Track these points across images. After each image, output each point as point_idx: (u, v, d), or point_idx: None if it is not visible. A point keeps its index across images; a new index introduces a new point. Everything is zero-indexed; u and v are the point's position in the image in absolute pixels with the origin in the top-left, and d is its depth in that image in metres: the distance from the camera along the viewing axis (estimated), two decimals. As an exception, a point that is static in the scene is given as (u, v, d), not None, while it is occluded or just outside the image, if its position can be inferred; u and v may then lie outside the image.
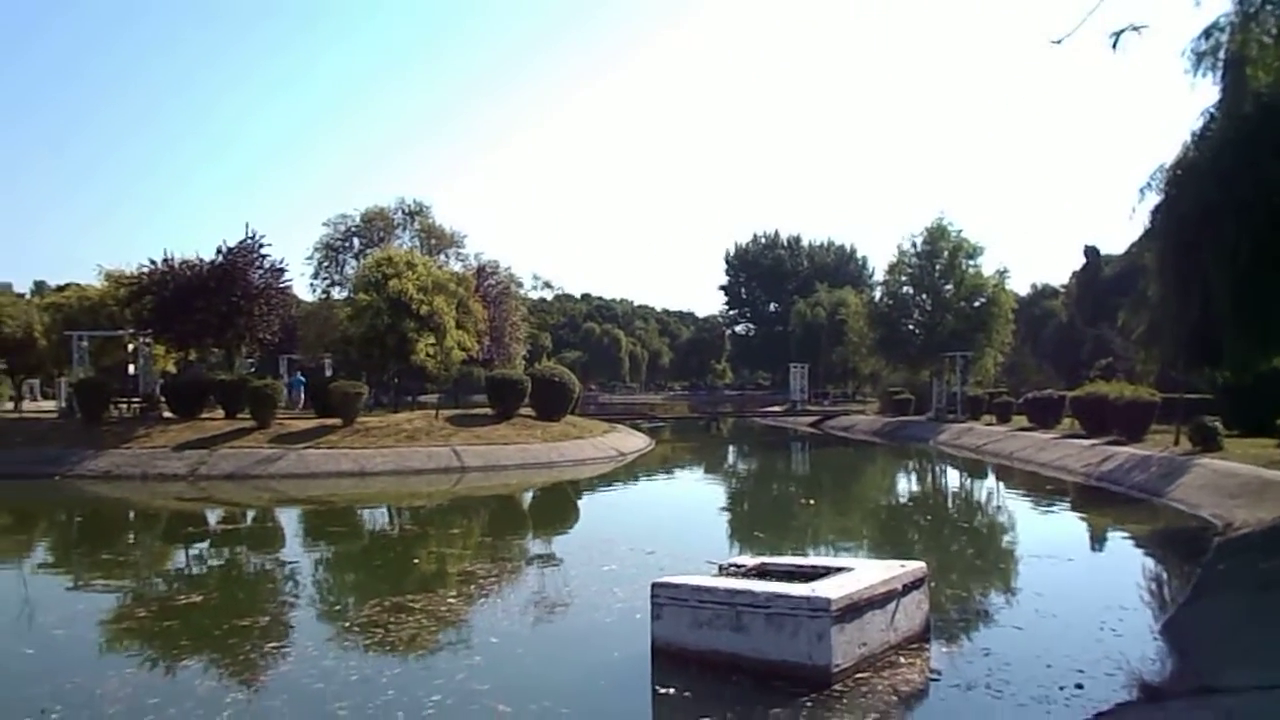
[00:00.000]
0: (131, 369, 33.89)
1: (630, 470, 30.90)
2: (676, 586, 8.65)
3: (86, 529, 20.57)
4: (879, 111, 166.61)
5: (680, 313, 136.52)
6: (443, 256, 51.05)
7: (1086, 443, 29.03)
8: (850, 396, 74.56)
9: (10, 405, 39.57)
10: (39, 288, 60.67)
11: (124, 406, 32.05)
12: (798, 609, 7.83)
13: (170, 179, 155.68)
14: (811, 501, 24.42)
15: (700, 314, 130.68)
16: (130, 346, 34.06)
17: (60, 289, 44.17)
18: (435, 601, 11.53)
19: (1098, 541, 18.20)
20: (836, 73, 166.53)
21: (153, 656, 9.64)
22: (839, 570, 9.06)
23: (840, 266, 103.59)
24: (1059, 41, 6.34)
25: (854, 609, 8.03)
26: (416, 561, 15.17)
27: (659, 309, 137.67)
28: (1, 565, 16.30)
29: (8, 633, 10.77)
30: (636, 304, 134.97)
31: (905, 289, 52.80)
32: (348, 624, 10.87)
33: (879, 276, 64.02)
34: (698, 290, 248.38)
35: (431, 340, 33.34)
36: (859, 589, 8.21)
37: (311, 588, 13.76)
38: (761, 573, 9.42)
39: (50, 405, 40.50)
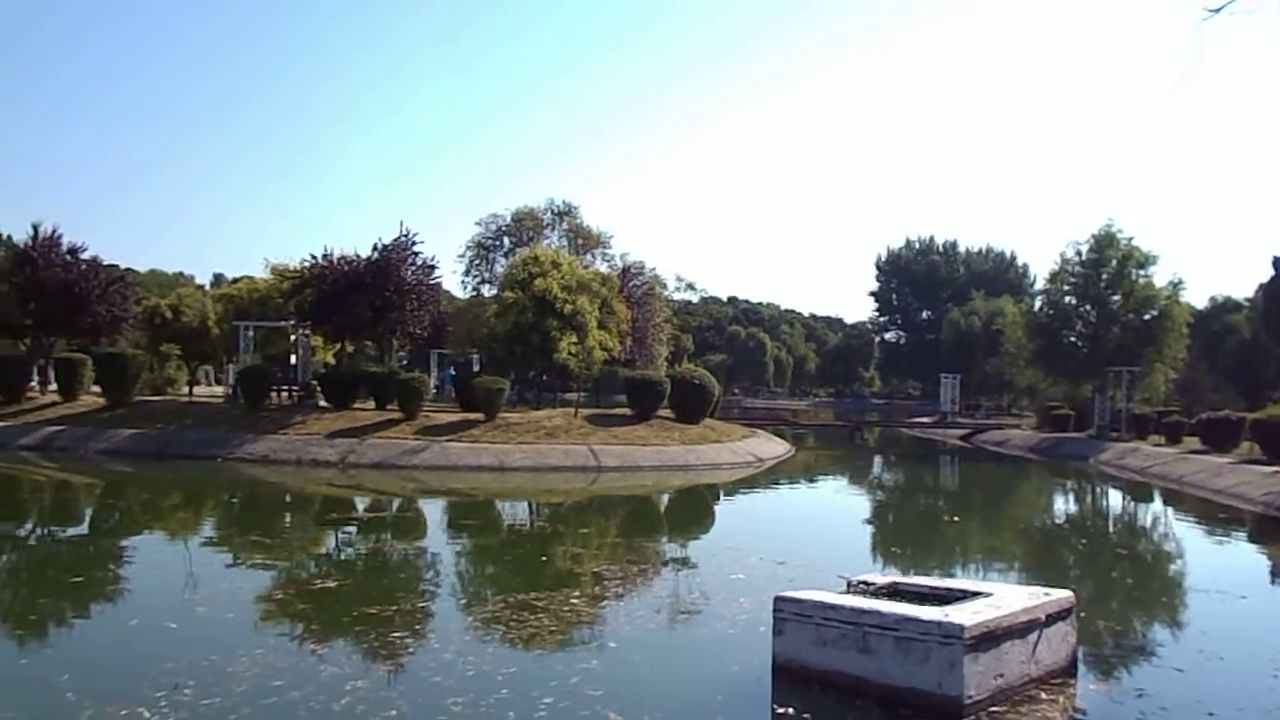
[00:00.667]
0: (292, 359, 35.66)
1: (769, 477, 30.34)
2: (800, 601, 8.22)
3: (244, 510, 21.62)
4: (1043, 112, 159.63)
5: (828, 318, 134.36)
6: (589, 256, 51.68)
7: (1268, 469, 26.65)
8: (1004, 410, 71.44)
9: (186, 390, 42.28)
10: (217, 280, 64.80)
11: (283, 394, 33.71)
12: (928, 634, 7.29)
13: (335, 171, 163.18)
14: (957, 519, 23.31)
15: (849, 320, 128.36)
16: (292, 337, 35.83)
17: (234, 281, 46.94)
18: (560, 601, 11.42)
19: (1276, 578, 16.60)
20: (996, 72, 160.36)
21: (284, 639, 9.84)
22: (976, 594, 8.41)
23: (998, 274, 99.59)
24: (1216, 11, 5.60)
25: (990, 637, 7.41)
26: (546, 559, 15.17)
27: (806, 313, 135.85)
28: (170, 541, 17.29)
29: (159, 607, 11.27)
30: (783, 308, 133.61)
31: (1068, 299, 50.03)
32: (472, 619, 10.91)
33: (1040, 285, 61.14)
34: (846, 295, 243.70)
35: (574, 339, 33.65)
36: (997, 616, 7.59)
37: (442, 580, 13.89)
38: (892, 592, 8.86)
39: (220, 390, 43.12)
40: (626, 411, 33.40)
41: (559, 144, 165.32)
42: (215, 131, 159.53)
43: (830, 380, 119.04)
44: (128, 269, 50.03)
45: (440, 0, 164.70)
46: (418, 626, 10.42)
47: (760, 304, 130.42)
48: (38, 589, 12.78)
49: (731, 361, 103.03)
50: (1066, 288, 49.85)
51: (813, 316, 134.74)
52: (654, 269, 52.26)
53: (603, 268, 48.07)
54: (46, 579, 13.33)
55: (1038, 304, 55.08)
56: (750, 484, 28.44)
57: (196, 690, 7.85)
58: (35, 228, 36.20)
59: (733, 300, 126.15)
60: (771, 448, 35.94)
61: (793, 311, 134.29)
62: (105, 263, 37.98)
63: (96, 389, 32.82)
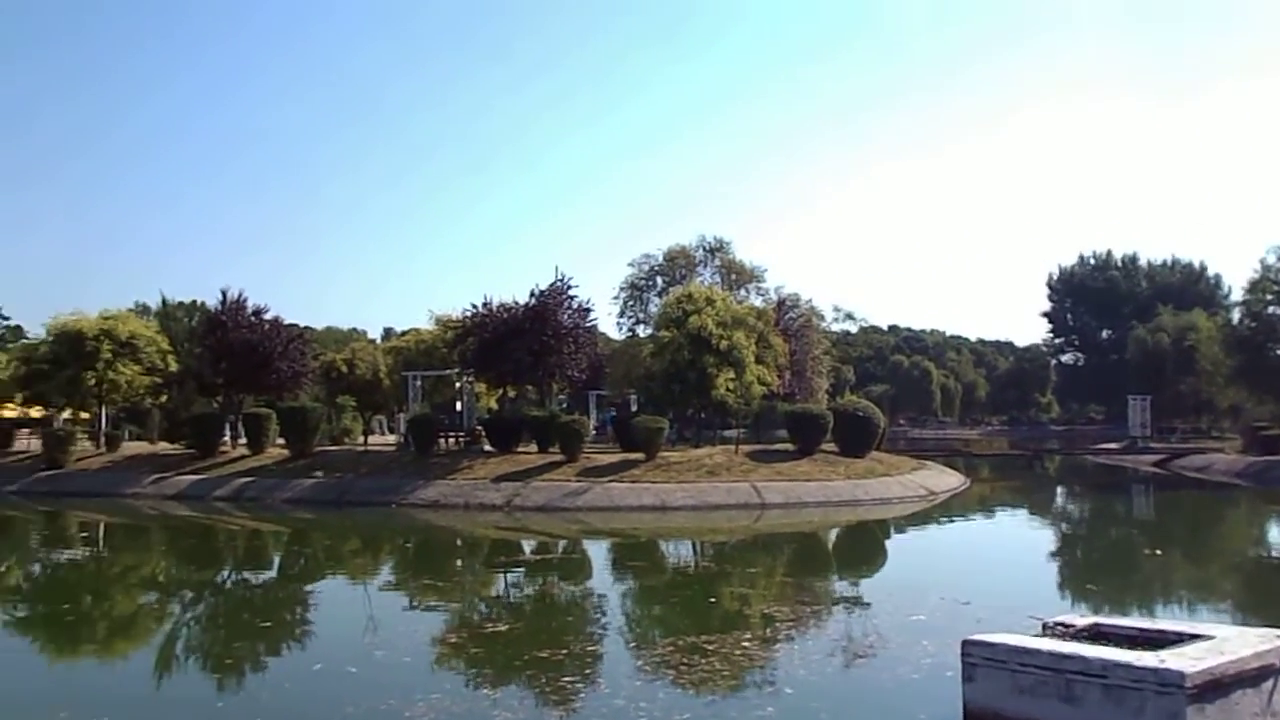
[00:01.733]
0: (458, 405, 36.75)
1: (943, 510, 28.99)
2: (993, 645, 7.56)
3: (417, 555, 22.23)
4: (1224, 109, 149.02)
5: (997, 342, 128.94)
6: (743, 291, 51.30)
7: None
8: (1204, 432, 66.18)
9: (361, 439, 44.28)
10: (387, 333, 68.02)
11: (451, 440, 34.75)
12: (1142, 682, 6.53)
13: (489, 217, 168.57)
14: (1159, 551, 21.52)
15: (1020, 343, 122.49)
16: (457, 385, 36.97)
17: (402, 334, 49.04)
18: (730, 644, 11.05)
19: None
20: (1170, 70, 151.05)
21: (458, 683, 9.90)
22: (1194, 637, 7.53)
23: (1186, 286, 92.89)
24: None
25: (1217, 686, 6.57)
26: (714, 601, 14.82)
27: (973, 338, 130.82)
28: (350, 586, 17.91)
29: (340, 651, 11.55)
30: (948, 334, 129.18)
31: (1272, 309, 46.12)
32: (642, 662, 10.69)
33: (1236, 296, 56.71)
34: (1017, 318, 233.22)
35: (731, 375, 33.28)
36: (1223, 661, 6.73)
37: (610, 622, 13.72)
38: (1095, 634, 8.06)
39: (392, 439, 44.92)
40: (788, 447, 32.70)
41: (709, 182, 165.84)
42: (391, 192, 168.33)
43: (1003, 407, 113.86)
44: (306, 327, 53.01)
45: (589, 42, 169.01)
46: (588, 670, 10.25)
47: (924, 331, 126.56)
48: (233, 633, 13.41)
49: (895, 392, 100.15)
50: (1269, 297, 45.98)
51: (980, 341, 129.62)
52: (810, 300, 51.46)
53: (757, 302, 47.60)
54: (241, 623, 13.99)
55: (1236, 316, 51.09)
56: (923, 518, 27.21)
57: (373, 735, 7.93)
58: (224, 293, 39.00)
59: (894, 329, 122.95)
60: (944, 480, 34.40)
61: (959, 337, 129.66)
62: (285, 322, 40.46)
63: (281, 441, 34.75)
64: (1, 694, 10.03)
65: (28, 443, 41.92)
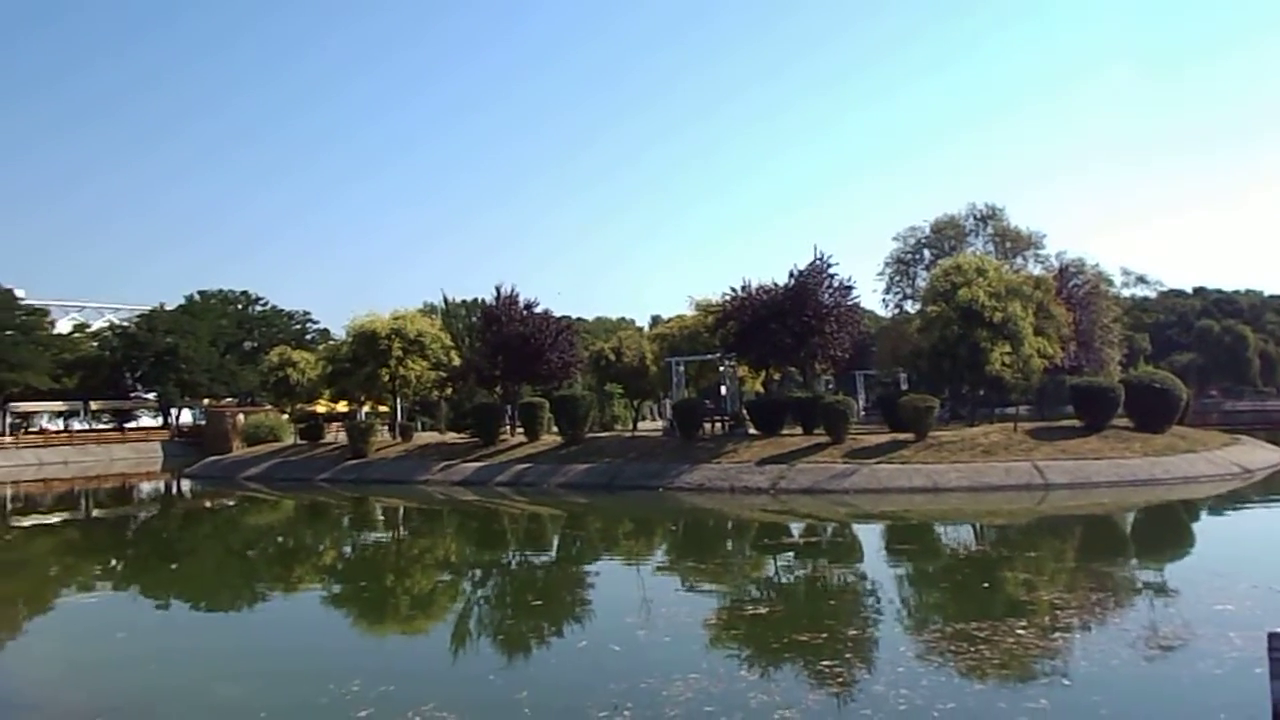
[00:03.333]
0: (722, 389, 37.01)
1: (1262, 490, 25.79)
2: (1310, 640, 6.54)
3: (684, 537, 22.58)
4: None
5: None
6: (1019, 259, 48.31)
7: None
8: None
9: (630, 425, 45.71)
10: (654, 321, 69.72)
11: (715, 424, 35.06)
12: None
13: (750, 200, 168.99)
14: None
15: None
16: (720, 369, 37.25)
17: (667, 321, 50.09)
18: (1004, 631, 10.36)
19: None
20: None
21: (717, 664, 9.89)
22: None
23: None
24: None
25: None
26: (989, 586, 13.94)
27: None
28: (619, 567, 18.51)
29: (605, 630, 12.00)
30: (1266, 294, 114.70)
31: None
32: (907, 648, 10.25)
33: None
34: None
35: (1007, 349, 31.33)
36: None
37: (876, 606, 13.24)
38: None
39: (659, 424, 46.02)
40: (1074, 423, 30.24)
41: (978, 146, 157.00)
42: (662, 189, 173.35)
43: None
44: (577, 318, 55.41)
45: (850, 31, 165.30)
46: (848, 655, 9.93)
47: (1236, 292, 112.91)
48: (509, 610, 14.23)
49: (1203, 361, 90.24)
50: None
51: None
52: (1096, 265, 47.53)
53: (1036, 270, 44.59)
54: (519, 601, 14.80)
55: None
56: (1237, 499, 24.29)
57: (634, 712, 8.09)
58: (498, 289, 41.51)
59: (1200, 291, 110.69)
60: (1262, 455, 30.57)
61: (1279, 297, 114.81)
62: (556, 315, 42.41)
63: (555, 429, 36.48)
64: (310, 661, 11.22)
65: (335, 435, 46.77)
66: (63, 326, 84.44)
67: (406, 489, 33.90)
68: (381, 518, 29.41)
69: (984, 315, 31.03)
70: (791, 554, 18.44)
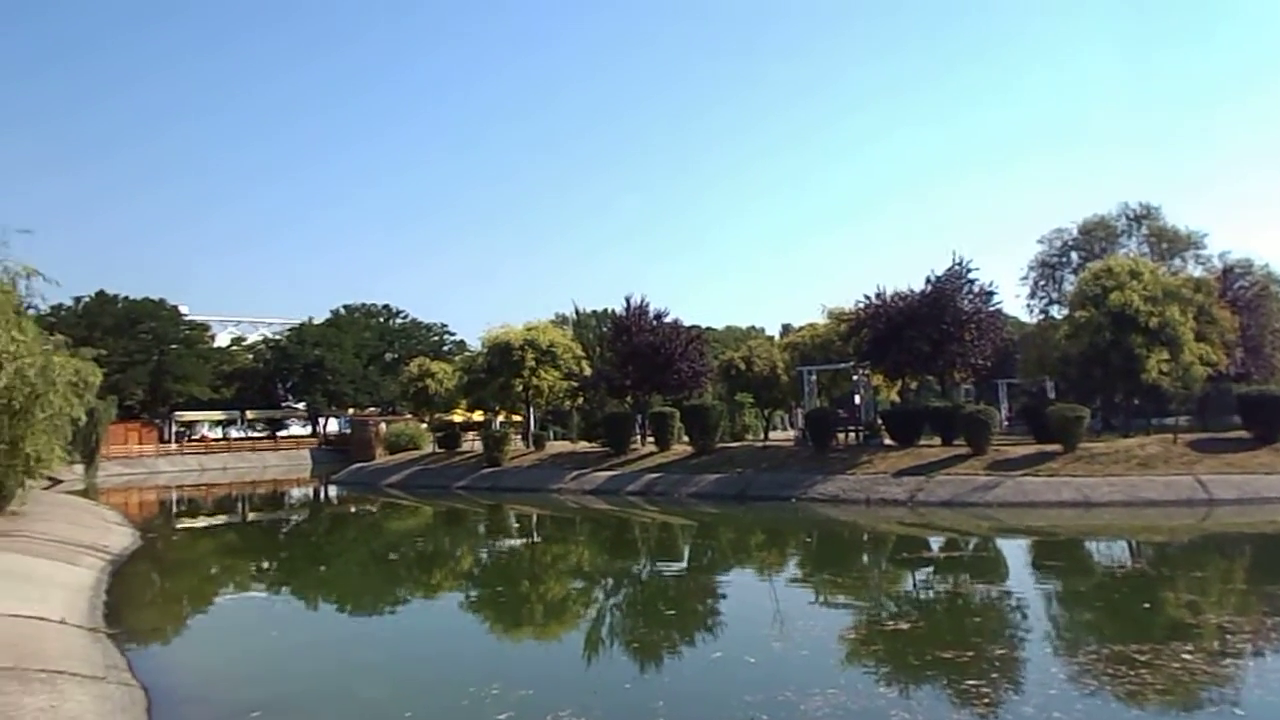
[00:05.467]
0: (856, 399, 36.22)
1: None
2: None
3: (819, 549, 22.11)
4: None
5: None
6: (1177, 261, 45.73)
7: None
8: None
9: (761, 435, 45.26)
10: (785, 330, 68.96)
11: (849, 434, 34.31)
12: None
13: (886, 205, 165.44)
14: None
15: None
16: (853, 378, 36.47)
17: (798, 330, 49.45)
18: (1167, 655, 9.68)
19: None
20: None
21: (856, 679, 9.62)
22: None
23: None
24: None
25: None
26: (1148, 606, 13.09)
27: None
28: (752, 578, 18.28)
29: (740, 640, 11.90)
30: None
31: None
32: (1058, 670, 9.70)
33: None
34: None
35: (1164, 356, 29.54)
36: None
37: (1024, 625, 12.57)
38: None
39: (790, 434, 45.41)
40: (1242, 435, 28.21)
41: (1129, 141, 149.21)
42: (798, 200, 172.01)
43: None
44: (707, 327, 55.31)
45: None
46: (995, 675, 9.44)
47: None
48: (642, 619, 14.18)
49: None
50: None
51: None
52: (1265, 266, 44.46)
53: (1196, 272, 42.05)
54: (651, 610, 14.71)
55: None
56: None
57: (770, 725, 7.88)
58: (628, 299, 41.77)
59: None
60: None
61: None
62: (685, 324, 42.33)
63: (685, 438, 36.35)
64: (450, 664, 11.47)
65: (471, 444, 47.94)
66: (221, 340, 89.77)
67: (540, 497, 34.40)
68: (516, 525, 29.92)
69: (1138, 320, 29.41)
70: (931, 568, 17.85)
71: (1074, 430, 27.88)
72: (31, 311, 14.37)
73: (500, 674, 10.02)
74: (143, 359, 71.59)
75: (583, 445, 43.27)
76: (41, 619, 11.79)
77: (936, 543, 21.48)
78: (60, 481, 42.28)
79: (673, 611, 14.30)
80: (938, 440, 31.25)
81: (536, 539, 26.49)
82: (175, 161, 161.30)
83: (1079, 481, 25.25)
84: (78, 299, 71.42)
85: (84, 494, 40.25)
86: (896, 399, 40.45)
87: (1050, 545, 20.52)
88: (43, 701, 7.95)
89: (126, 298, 74.09)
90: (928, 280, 33.25)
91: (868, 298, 34.18)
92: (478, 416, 56.28)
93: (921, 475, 27.58)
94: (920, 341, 31.94)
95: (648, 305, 41.23)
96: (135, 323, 72.94)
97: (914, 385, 39.90)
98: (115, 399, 53.38)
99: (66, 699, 8.20)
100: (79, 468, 47.06)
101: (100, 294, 73.03)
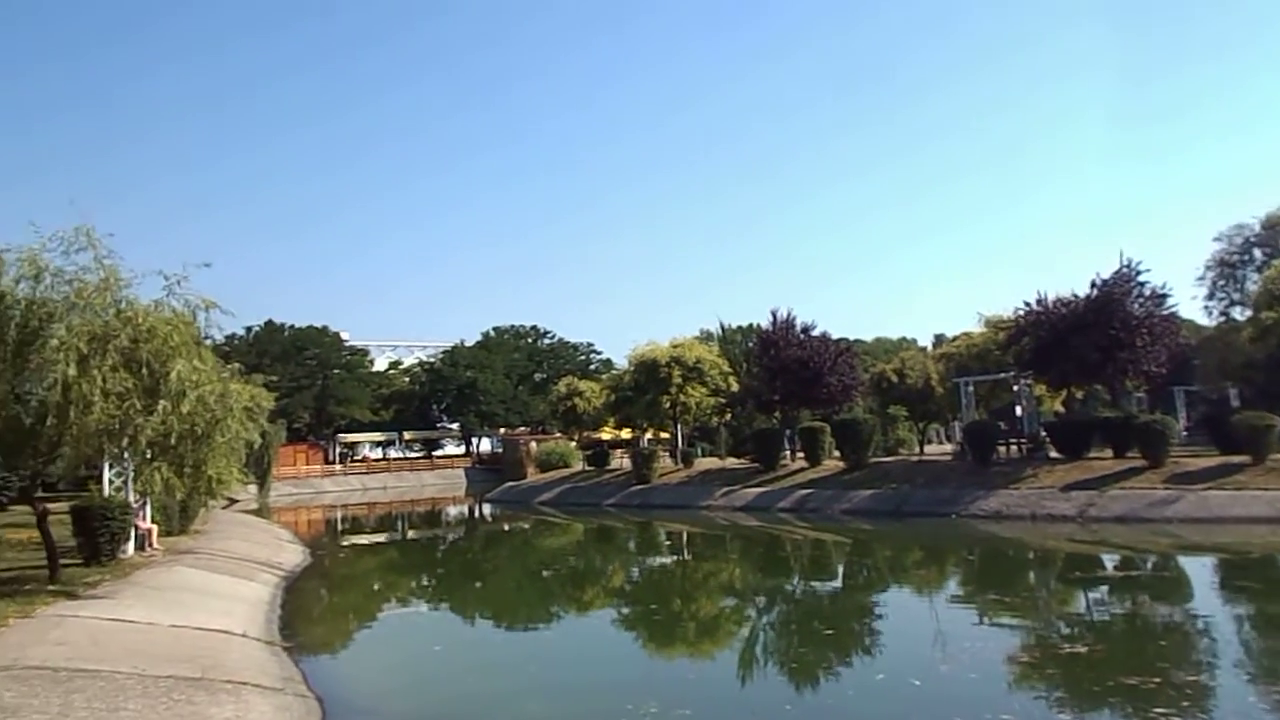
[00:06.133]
0: (1017, 410, 34.63)
1: None
2: None
3: (983, 567, 21.16)
4: None
5: None
6: (1378, 254, 41.94)
7: None
8: None
9: (916, 449, 43.85)
10: (938, 340, 66.81)
11: (1011, 447, 32.81)
12: None
13: (1036, 206, 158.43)
14: None
15: None
16: (1014, 388, 34.90)
17: (953, 340, 47.83)
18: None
19: None
20: None
21: (1030, 705, 9.15)
22: None
23: None
24: None
25: None
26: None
27: None
28: (913, 597, 17.67)
29: (903, 661, 11.49)
30: None
31: None
32: (1258, 699, 9.03)
33: None
34: None
35: (1365, 357, 27.09)
36: None
37: (1211, 651, 11.64)
38: None
39: (948, 448, 43.81)
40: None
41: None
42: (945, 197, 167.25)
43: None
44: (856, 340, 54.15)
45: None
46: (1186, 703, 8.75)
47: None
48: (797, 638, 13.85)
49: None
50: None
51: None
52: None
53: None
54: (808, 630, 14.37)
55: None
56: None
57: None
58: (774, 313, 41.24)
59: None
60: None
61: None
62: (834, 337, 41.48)
63: (837, 454, 35.58)
64: (606, 680, 11.47)
65: (620, 461, 48.34)
66: (379, 364, 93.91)
67: (689, 514, 34.29)
68: (666, 542, 29.90)
69: (1334, 320, 27.10)
70: (1106, 588, 16.85)
71: (1263, 440, 25.77)
72: (209, 341, 15.27)
73: (656, 693, 9.94)
74: (308, 384, 75.63)
75: (731, 461, 42.94)
76: (226, 632, 12.45)
77: (1111, 561, 20.25)
78: (236, 501, 45.04)
79: (830, 631, 13.92)
80: (1108, 452, 29.47)
81: (687, 556, 26.38)
82: (350, 195, 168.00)
83: (1271, 495, 23.32)
84: (248, 328, 76.08)
85: (257, 513, 42.58)
86: (1061, 409, 38.52)
87: (1241, 564, 18.99)
88: (229, 712, 8.32)
89: (293, 326, 78.48)
90: (1093, 284, 31.52)
91: (1028, 304, 32.68)
92: (625, 434, 56.79)
93: (1092, 489, 26.07)
94: (1087, 349, 30.22)
95: (794, 319, 40.64)
96: (301, 349, 77.14)
97: (1080, 395, 37.86)
98: (284, 422, 56.47)
99: (250, 709, 8.58)
100: (253, 488, 49.79)
101: (269, 323, 77.62)
